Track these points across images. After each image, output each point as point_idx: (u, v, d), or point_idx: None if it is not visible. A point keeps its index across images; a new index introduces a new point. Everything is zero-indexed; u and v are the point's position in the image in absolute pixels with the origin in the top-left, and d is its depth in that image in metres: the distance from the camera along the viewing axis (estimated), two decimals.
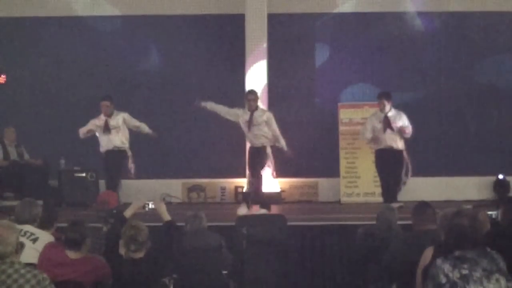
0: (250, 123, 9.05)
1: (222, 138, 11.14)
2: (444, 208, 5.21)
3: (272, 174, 9.86)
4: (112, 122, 9.58)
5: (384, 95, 9.50)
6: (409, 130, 9.35)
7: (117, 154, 9.61)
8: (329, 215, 8.97)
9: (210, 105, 9.43)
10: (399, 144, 9.37)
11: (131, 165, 9.65)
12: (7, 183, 9.97)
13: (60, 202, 10.09)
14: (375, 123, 9.46)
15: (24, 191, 9.67)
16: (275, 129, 9.12)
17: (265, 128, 9.08)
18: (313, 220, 8.26)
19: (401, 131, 9.30)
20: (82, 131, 9.70)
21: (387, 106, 9.40)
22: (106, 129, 9.55)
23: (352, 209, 9.30)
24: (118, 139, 9.60)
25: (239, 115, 9.21)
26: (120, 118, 9.62)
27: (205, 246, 6.13)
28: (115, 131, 9.57)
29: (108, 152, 9.63)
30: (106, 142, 9.60)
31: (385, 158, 9.34)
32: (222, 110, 9.39)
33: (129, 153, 9.70)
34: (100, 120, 9.62)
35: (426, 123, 11.12)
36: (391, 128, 9.30)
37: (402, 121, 9.37)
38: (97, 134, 9.71)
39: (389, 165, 9.32)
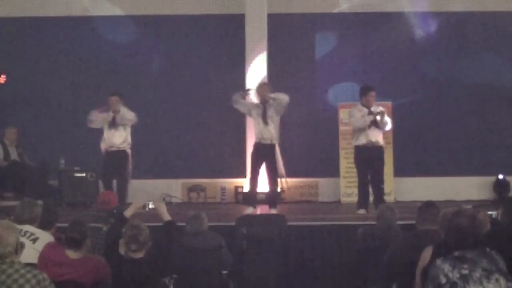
0: (264, 117, 8.64)
1: (222, 138, 11.14)
2: (444, 208, 5.21)
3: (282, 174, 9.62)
4: (119, 119, 9.53)
5: (374, 88, 9.04)
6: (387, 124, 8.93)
7: (116, 155, 9.55)
8: (329, 215, 8.96)
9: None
10: (380, 140, 8.96)
11: (129, 170, 9.61)
12: (7, 183, 9.98)
13: (60, 202, 10.11)
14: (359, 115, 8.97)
15: (24, 191, 9.67)
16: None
17: (277, 121, 8.78)
18: (313, 220, 8.25)
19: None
20: (94, 115, 9.49)
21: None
22: (113, 124, 9.48)
23: (352, 209, 9.29)
24: (120, 138, 9.53)
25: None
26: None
27: (205, 246, 6.14)
28: (120, 128, 9.51)
29: (108, 152, 9.56)
30: (110, 138, 9.53)
31: (367, 154, 8.87)
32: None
33: (129, 153, 9.66)
34: (109, 116, 9.57)
35: (426, 123, 11.13)
36: (377, 125, 8.86)
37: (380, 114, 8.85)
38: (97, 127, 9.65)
39: (371, 162, 8.89)
